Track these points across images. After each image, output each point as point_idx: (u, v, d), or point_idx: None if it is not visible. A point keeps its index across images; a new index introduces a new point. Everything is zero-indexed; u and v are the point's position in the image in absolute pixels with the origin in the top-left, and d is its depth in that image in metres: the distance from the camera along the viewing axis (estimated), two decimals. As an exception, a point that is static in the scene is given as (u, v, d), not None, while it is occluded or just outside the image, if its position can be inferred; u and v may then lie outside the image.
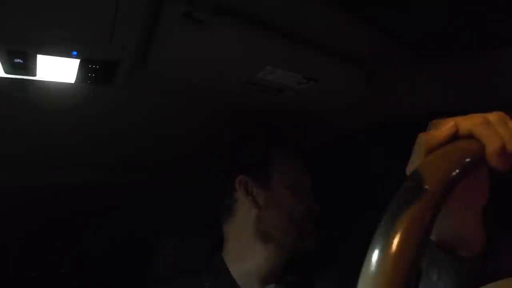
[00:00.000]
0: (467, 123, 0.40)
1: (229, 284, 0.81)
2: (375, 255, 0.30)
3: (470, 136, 0.39)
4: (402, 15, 0.59)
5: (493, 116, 0.40)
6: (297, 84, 0.75)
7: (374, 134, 0.98)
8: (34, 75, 0.64)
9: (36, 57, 0.59)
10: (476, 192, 0.44)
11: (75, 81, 0.68)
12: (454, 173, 0.35)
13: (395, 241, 0.30)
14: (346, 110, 0.90)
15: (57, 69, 0.64)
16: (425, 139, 0.41)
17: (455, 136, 0.40)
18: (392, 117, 0.86)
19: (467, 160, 0.37)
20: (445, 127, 0.41)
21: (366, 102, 0.84)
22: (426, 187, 0.33)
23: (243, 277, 0.82)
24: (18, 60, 0.59)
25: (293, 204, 0.83)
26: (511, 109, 0.42)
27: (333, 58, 0.68)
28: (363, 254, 0.31)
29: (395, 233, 0.30)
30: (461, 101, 0.73)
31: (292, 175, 0.87)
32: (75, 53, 0.60)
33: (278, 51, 0.66)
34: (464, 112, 0.42)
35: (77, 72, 0.65)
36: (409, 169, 0.43)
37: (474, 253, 0.44)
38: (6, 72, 0.62)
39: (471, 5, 0.54)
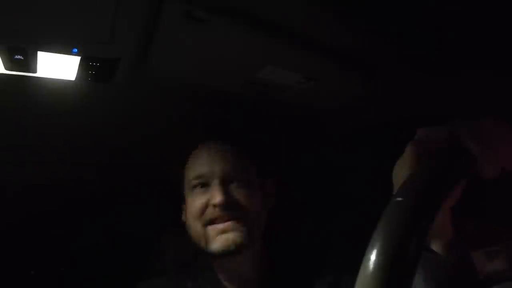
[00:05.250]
0: (458, 133, 0.40)
1: (214, 283, 0.80)
2: (373, 254, 0.30)
3: (461, 146, 0.39)
4: (402, 16, 0.59)
5: (484, 125, 0.40)
6: (297, 84, 0.76)
7: (373, 134, 0.98)
8: (35, 72, 0.64)
9: (36, 54, 0.59)
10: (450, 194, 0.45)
11: (75, 79, 0.68)
12: (444, 186, 0.35)
13: (395, 240, 0.30)
14: (346, 110, 0.90)
15: (57, 66, 0.64)
16: (415, 149, 0.41)
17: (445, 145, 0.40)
18: (391, 117, 0.86)
19: (458, 171, 0.37)
20: (435, 137, 0.41)
21: (365, 102, 0.84)
22: (417, 202, 0.33)
23: (224, 277, 0.80)
24: (19, 57, 0.59)
25: (189, 210, 0.79)
26: (508, 114, 0.42)
27: (333, 58, 0.69)
28: (358, 251, 0.31)
29: (395, 232, 0.30)
30: (461, 102, 0.73)
31: (192, 175, 0.80)
32: (75, 50, 0.60)
33: (278, 51, 0.66)
34: (463, 113, 0.42)
35: (78, 70, 0.65)
36: (398, 177, 0.43)
37: (442, 245, 0.45)
38: (6, 68, 0.62)
39: (472, 6, 0.54)
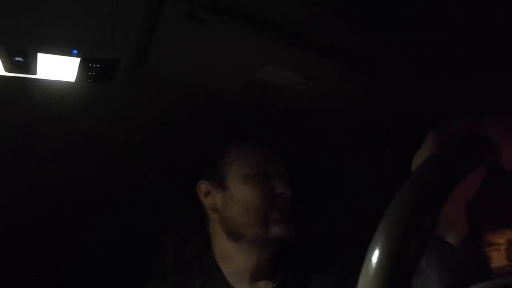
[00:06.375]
0: (479, 124, 0.41)
1: (222, 282, 0.80)
2: (376, 252, 0.30)
3: (479, 135, 0.40)
4: (402, 16, 0.59)
5: (506, 121, 0.41)
6: (296, 84, 0.76)
7: (373, 134, 0.98)
8: (35, 73, 0.64)
9: (36, 55, 0.59)
10: (466, 187, 0.46)
11: (75, 80, 0.68)
12: (457, 172, 0.36)
13: (397, 239, 0.30)
14: (346, 109, 0.90)
15: (57, 68, 0.64)
16: (434, 136, 0.42)
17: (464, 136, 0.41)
18: (391, 117, 0.87)
19: (473, 159, 0.38)
20: (456, 127, 0.42)
21: (365, 102, 0.84)
22: (430, 184, 0.33)
23: (233, 275, 0.81)
24: (19, 59, 0.59)
25: (249, 196, 0.81)
26: (509, 113, 0.42)
27: (333, 58, 0.69)
28: (361, 249, 0.31)
29: (397, 231, 0.30)
30: (461, 102, 0.73)
31: (247, 166, 0.83)
32: (75, 52, 0.60)
33: (278, 51, 0.66)
34: (463, 113, 0.43)
35: (78, 71, 0.65)
36: (416, 163, 0.44)
37: (456, 240, 0.46)
38: (6, 70, 0.62)
39: (472, 5, 0.54)
